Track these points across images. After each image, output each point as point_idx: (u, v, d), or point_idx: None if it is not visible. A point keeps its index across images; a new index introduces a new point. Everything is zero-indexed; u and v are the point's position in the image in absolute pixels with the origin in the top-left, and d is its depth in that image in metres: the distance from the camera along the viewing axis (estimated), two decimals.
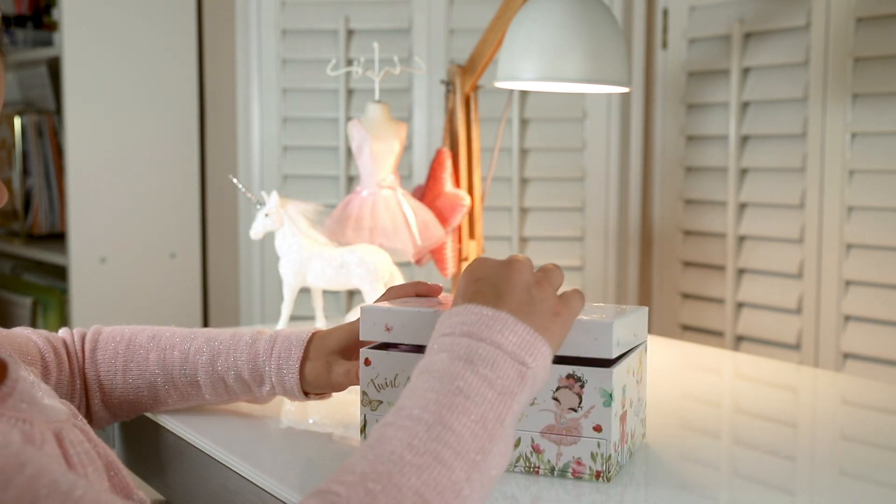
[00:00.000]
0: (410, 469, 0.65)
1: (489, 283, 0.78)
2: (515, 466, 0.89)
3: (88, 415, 1.05)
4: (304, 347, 1.01)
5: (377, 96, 1.49)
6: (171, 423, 1.05)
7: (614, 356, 0.86)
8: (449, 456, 0.67)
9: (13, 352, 0.97)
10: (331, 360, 1.01)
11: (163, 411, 1.07)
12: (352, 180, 2.04)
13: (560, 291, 0.82)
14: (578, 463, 0.87)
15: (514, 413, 0.72)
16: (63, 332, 1.06)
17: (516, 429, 0.88)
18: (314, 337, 1.02)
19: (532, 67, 1.34)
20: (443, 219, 1.50)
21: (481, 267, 0.80)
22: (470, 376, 0.71)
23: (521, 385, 0.73)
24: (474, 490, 0.67)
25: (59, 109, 2.38)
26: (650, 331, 1.76)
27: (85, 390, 1.05)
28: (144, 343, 1.04)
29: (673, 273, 1.85)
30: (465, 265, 1.55)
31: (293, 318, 1.50)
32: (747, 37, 1.69)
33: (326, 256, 1.40)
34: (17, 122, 2.40)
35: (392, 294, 1.00)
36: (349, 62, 2.01)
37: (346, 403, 1.12)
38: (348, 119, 2.01)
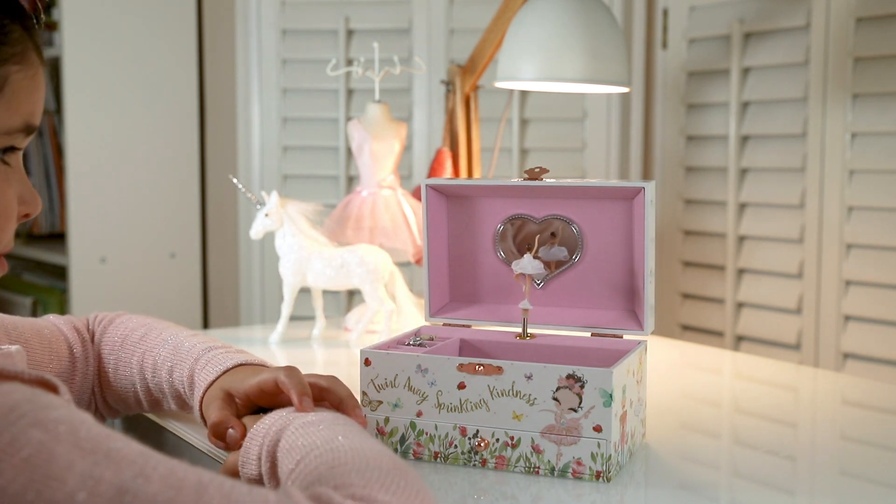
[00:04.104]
0: None
1: None
2: (515, 466, 0.89)
3: (95, 404, 1.05)
4: (229, 368, 0.91)
5: (377, 96, 1.49)
6: (172, 423, 1.05)
7: None
8: None
9: (41, 347, 0.98)
10: (224, 397, 0.89)
11: (141, 413, 1.07)
12: (352, 180, 2.04)
13: None
14: (578, 463, 0.87)
15: None
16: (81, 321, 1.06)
17: (517, 429, 0.88)
18: (241, 367, 0.92)
19: (532, 67, 1.34)
20: None
21: None
22: None
23: None
24: None
25: (59, 109, 2.38)
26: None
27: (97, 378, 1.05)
28: (136, 342, 1.02)
29: (673, 273, 1.85)
30: None
31: (293, 318, 1.50)
32: (747, 37, 1.69)
33: (326, 256, 1.40)
34: None
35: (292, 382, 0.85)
36: (349, 62, 2.01)
37: None
38: (348, 119, 2.01)
